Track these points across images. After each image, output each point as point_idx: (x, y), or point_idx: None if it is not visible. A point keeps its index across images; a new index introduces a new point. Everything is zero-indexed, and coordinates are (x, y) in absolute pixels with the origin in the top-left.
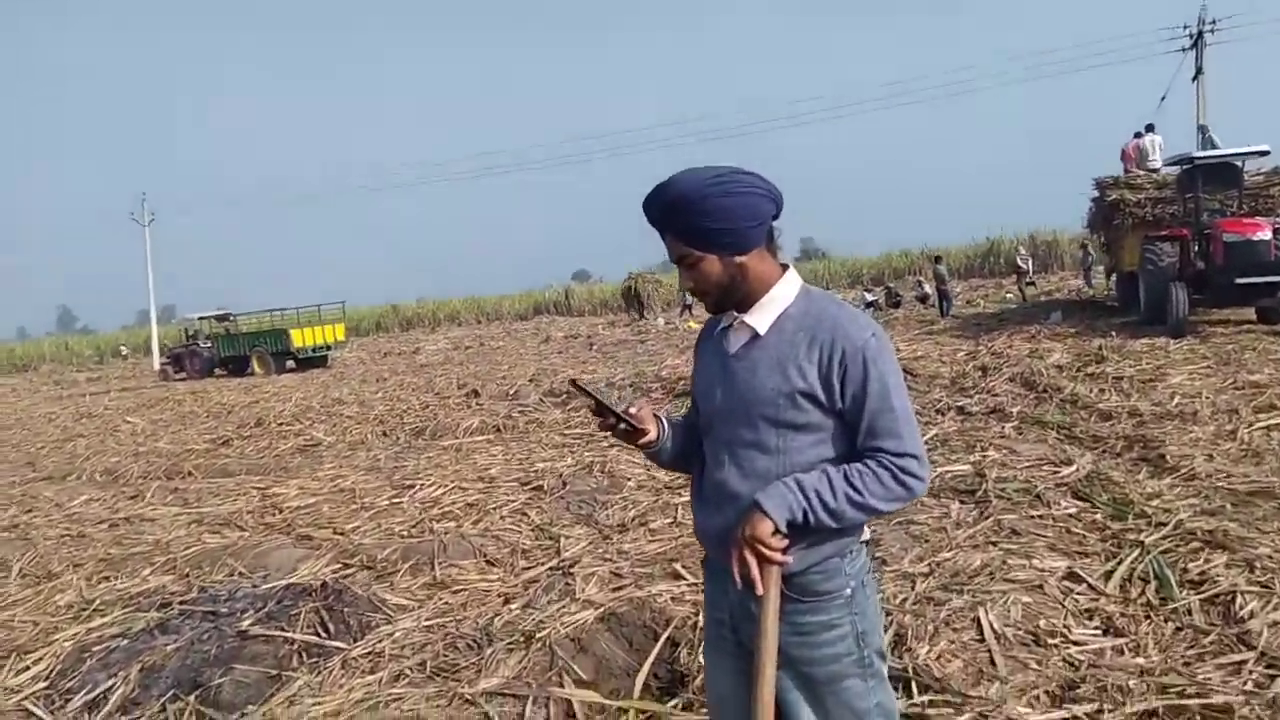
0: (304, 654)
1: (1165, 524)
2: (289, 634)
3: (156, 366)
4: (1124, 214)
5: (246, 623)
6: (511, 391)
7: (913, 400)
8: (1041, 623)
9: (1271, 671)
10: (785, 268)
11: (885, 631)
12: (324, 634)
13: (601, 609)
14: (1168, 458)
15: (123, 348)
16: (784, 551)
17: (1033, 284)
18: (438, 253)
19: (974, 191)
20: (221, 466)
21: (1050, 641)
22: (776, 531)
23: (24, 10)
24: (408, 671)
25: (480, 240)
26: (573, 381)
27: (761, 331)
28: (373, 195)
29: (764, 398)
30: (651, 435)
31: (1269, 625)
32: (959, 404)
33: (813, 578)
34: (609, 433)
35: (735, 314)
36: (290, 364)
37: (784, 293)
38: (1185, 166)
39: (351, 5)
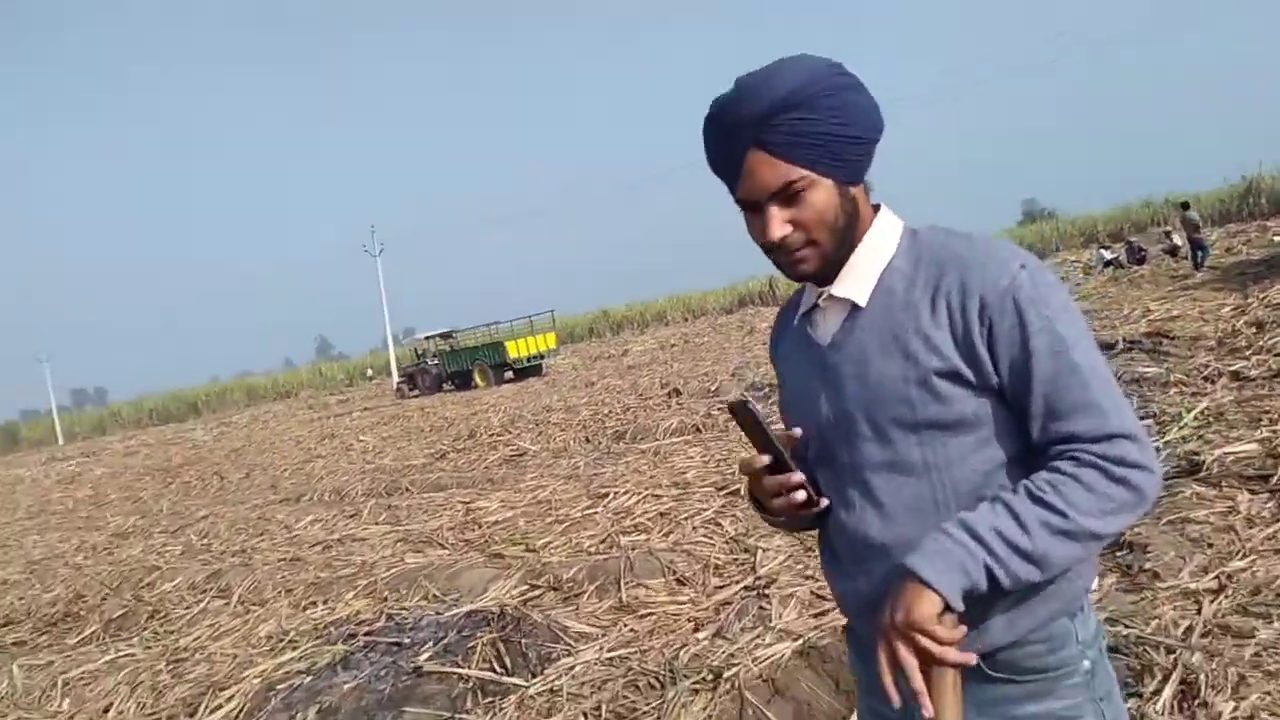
0: (479, 692)
1: None
2: (464, 670)
3: (394, 386)
4: None
5: (424, 657)
6: (713, 388)
7: (1173, 367)
8: None
9: None
10: (877, 209)
11: (1168, 679)
12: (500, 669)
13: (800, 640)
14: None
15: (369, 370)
16: (965, 637)
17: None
18: (643, 254)
19: (1218, 128)
20: (435, 481)
21: None
22: (946, 609)
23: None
24: (584, 715)
25: (682, 237)
26: (734, 405)
27: (863, 301)
28: (588, 203)
29: (889, 394)
30: (803, 495)
31: None
32: (1232, 368)
33: (1032, 649)
34: (768, 504)
35: (817, 289)
36: (508, 374)
37: (884, 239)
38: None
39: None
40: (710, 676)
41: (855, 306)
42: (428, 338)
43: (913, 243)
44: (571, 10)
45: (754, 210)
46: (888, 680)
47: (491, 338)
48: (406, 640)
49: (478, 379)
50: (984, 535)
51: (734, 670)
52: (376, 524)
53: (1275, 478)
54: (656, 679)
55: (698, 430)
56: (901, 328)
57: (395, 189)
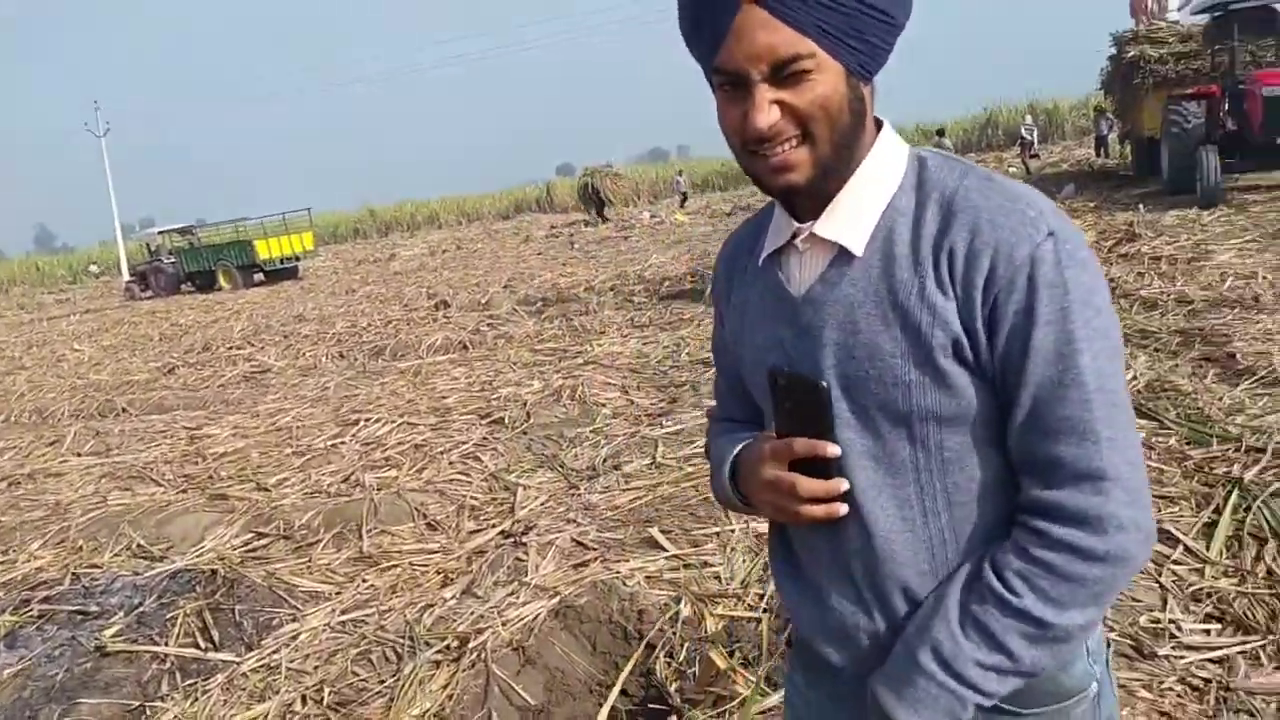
0: (179, 673)
1: (1261, 449)
2: (160, 647)
3: (123, 286)
4: (1144, 72)
5: (110, 632)
6: (484, 300)
7: None
8: (1142, 618)
9: None
10: (879, 124)
11: None
12: (207, 643)
13: (557, 598)
14: (1238, 356)
15: (93, 266)
16: None
17: (1036, 156)
18: (413, 153)
19: (967, 63)
20: (158, 401)
21: (1157, 649)
22: None
23: None
24: (307, 696)
25: (458, 138)
26: (774, 373)
27: (858, 248)
28: (342, 92)
29: (878, 371)
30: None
31: None
32: None
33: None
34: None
35: (795, 223)
36: (258, 277)
37: (886, 169)
38: (1217, 15)
39: None
40: (455, 644)
41: (844, 253)
42: (163, 233)
43: (921, 176)
44: None
45: (736, 88)
46: None
47: (239, 235)
48: (94, 608)
49: (222, 281)
50: (968, 675)
51: (482, 638)
52: (80, 455)
53: None
54: (394, 649)
55: (464, 348)
56: (905, 289)
57: (127, 59)
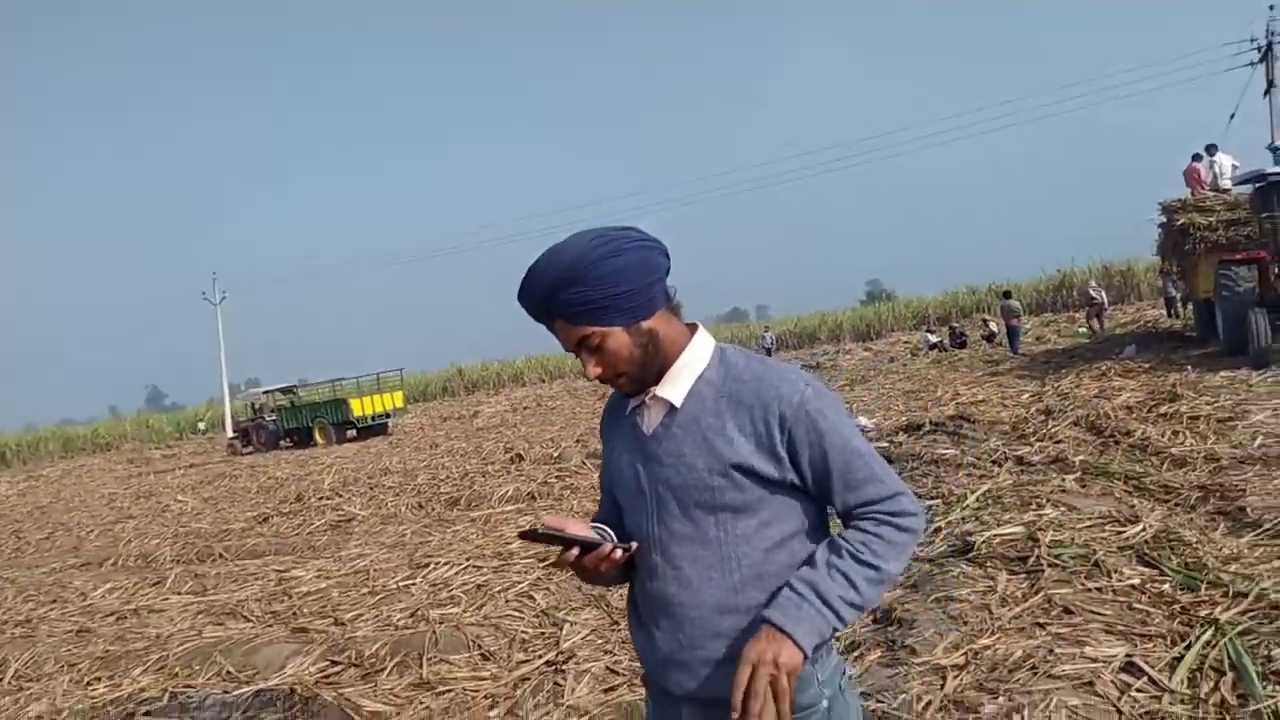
0: None
1: (1245, 594)
2: None
3: (226, 441)
4: (1194, 238)
5: None
6: (555, 454)
7: (968, 449)
8: None
9: None
10: (694, 327)
11: None
12: None
13: (587, 716)
14: (1248, 510)
15: (200, 424)
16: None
17: (1105, 317)
18: (501, 314)
19: (1042, 225)
20: (251, 548)
21: None
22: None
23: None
24: None
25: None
26: (526, 534)
27: (678, 403)
28: (443, 260)
29: (694, 481)
30: (620, 552)
31: None
32: (1017, 453)
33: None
34: (578, 568)
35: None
36: (351, 433)
37: (697, 356)
38: (1258, 185)
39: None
40: None
41: (673, 407)
42: (267, 392)
43: (721, 360)
44: (448, 49)
45: (575, 355)
46: (738, 695)
47: (335, 394)
48: None
49: (318, 437)
50: (833, 603)
51: None
52: (179, 594)
53: (1030, 558)
54: None
55: (532, 498)
56: (710, 429)
57: (241, 235)
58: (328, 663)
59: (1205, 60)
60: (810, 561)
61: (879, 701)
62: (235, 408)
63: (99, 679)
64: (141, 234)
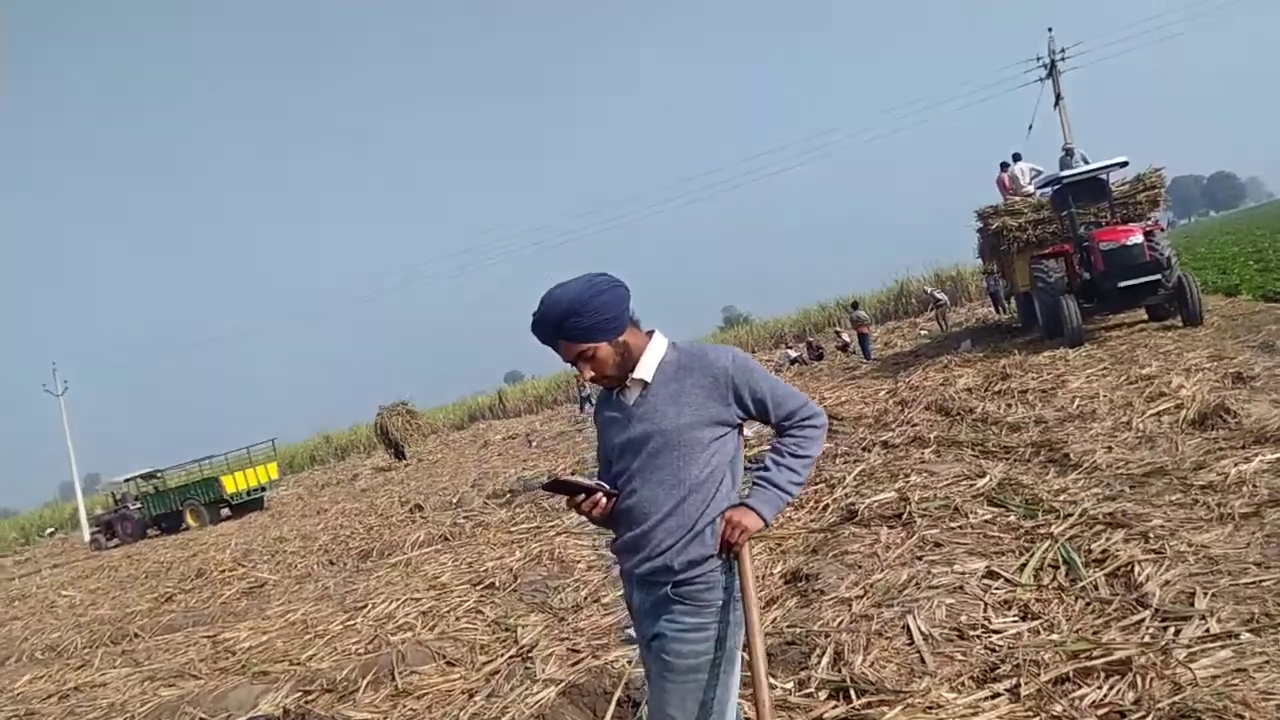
0: None
1: (1072, 514)
2: None
3: (87, 538)
4: (1009, 239)
5: None
6: (455, 500)
7: (840, 441)
8: (964, 619)
9: (1164, 624)
10: (651, 333)
11: (824, 653)
12: None
13: (563, 684)
14: (1071, 455)
15: (49, 529)
16: (683, 559)
17: (947, 316)
18: (364, 376)
19: (875, 242)
20: (167, 623)
21: (973, 634)
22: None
23: None
24: None
25: (402, 357)
26: (548, 484)
27: (649, 379)
28: (293, 327)
29: (666, 428)
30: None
31: (1161, 585)
32: (882, 439)
33: (696, 587)
34: (585, 513)
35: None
36: (225, 511)
37: (657, 348)
38: (1056, 187)
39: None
40: None
41: (646, 383)
42: (127, 480)
43: (674, 348)
44: (261, 118)
45: (572, 364)
46: (726, 541)
47: (204, 474)
48: None
49: (190, 519)
50: (783, 486)
51: (509, 716)
52: (114, 669)
53: (904, 514)
54: None
55: (446, 539)
56: (675, 392)
57: (74, 321)
58: (301, 693)
59: (1005, 77)
60: (763, 465)
61: (800, 627)
62: (89, 504)
63: None
64: None
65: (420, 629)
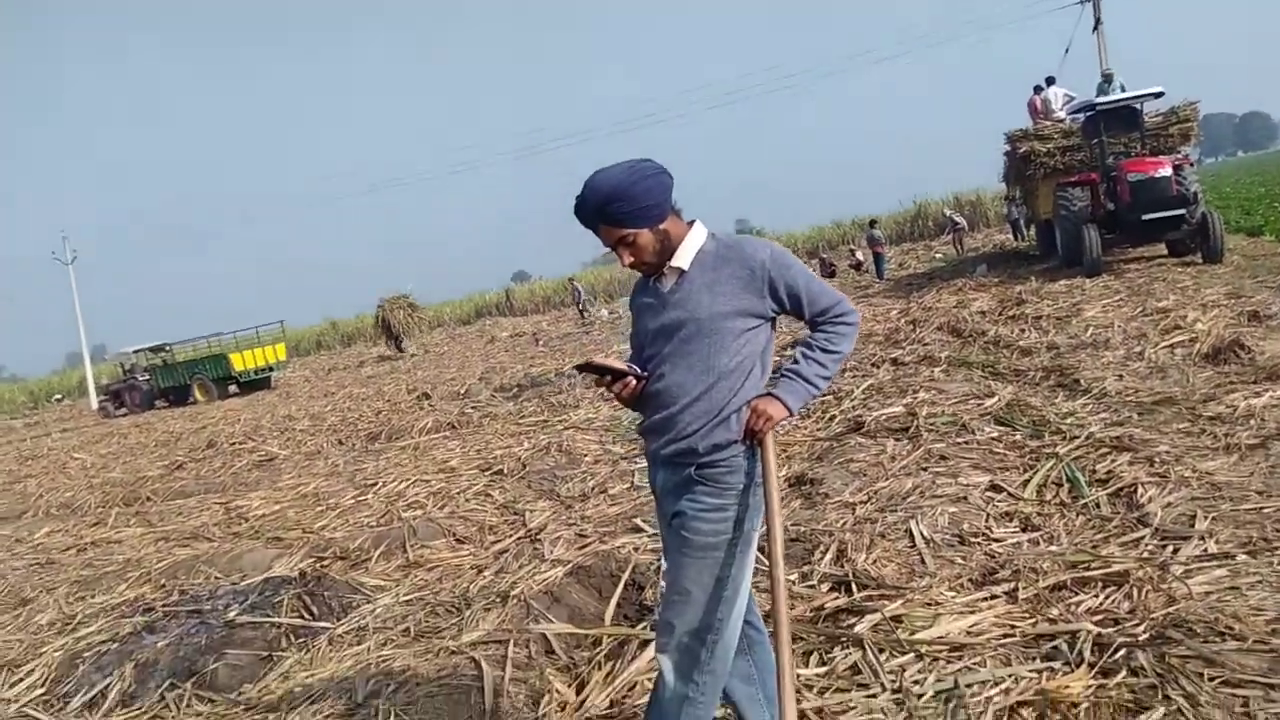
0: (292, 635)
1: (1078, 436)
2: (275, 619)
3: (95, 405)
4: (1035, 165)
5: (233, 614)
6: (462, 391)
7: (850, 357)
8: (965, 526)
9: (1164, 543)
10: (692, 223)
11: (827, 550)
12: (309, 616)
13: (570, 564)
14: (1081, 381)
15: (56, 395)
16: (708, 443)
17: (964, 240)
18: (373, 265)
19: (898, 162)
20: (179, 489)
21: (973, 540)
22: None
23: None
24: (394, 638)
25: (416, 251)
26: (581, 365)
27: (686, 267)
28: (299, 213)
29: (700, 314)
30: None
31: (1163, 507)
32: (892, 356)
33: (719, 470)
34: (615, 394)
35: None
36: (233, 389)
37: (696, 238)
38: (1088, 114)
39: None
40: (499, 598)
41: (683, 271)
42: (137, 351)
43: (714, 239)
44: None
45: (612, 250)
46: (753, 429)
47: (213, 350)
48: (208, 606)
49: (197, 394)
50: (812, 380)
51: (518, 591)
52: (128, 528)
53: (911, 428)
54: (453, 606)
55: (453, 427)
56: (711, 281)
57: (86, 193)
58: (314, 559)
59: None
60: (793, 359)
61: (805, 526)
62: (100, 371)
63: (84, 596)
64: None
65: (430, 507)
